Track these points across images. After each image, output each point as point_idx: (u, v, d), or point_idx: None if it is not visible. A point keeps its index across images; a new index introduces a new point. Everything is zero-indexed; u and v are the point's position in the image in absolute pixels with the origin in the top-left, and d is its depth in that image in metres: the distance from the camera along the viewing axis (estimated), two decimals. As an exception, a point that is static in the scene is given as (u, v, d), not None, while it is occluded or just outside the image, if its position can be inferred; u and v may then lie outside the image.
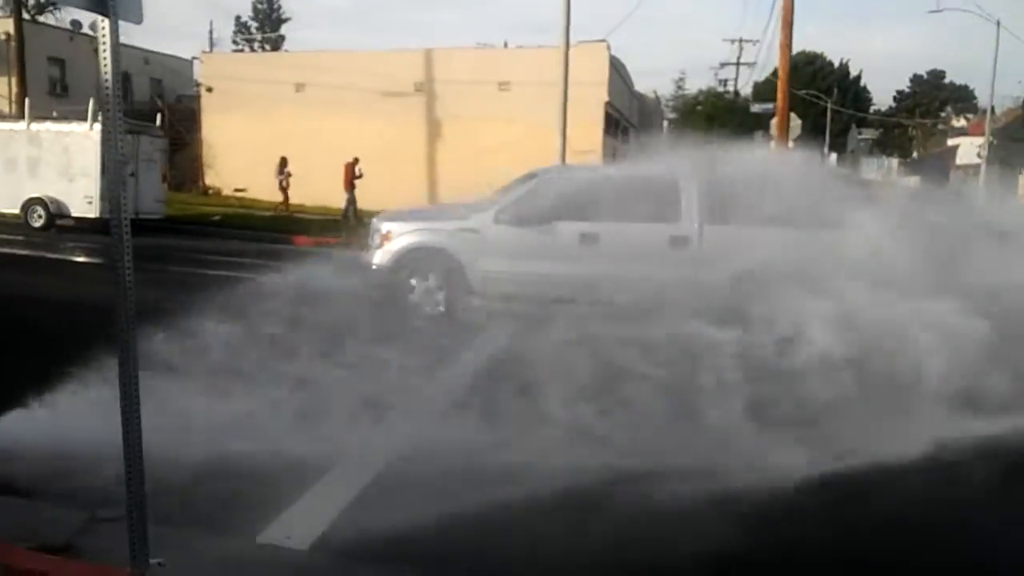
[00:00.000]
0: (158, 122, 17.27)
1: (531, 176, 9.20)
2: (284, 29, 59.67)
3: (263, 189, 23.62)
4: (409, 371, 5.80)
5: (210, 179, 25.01)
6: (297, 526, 4.24)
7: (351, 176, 19.67)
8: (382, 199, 23.04)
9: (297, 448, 4.59)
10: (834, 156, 53.91)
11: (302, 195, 22.66)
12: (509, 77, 21.99)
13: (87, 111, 14.84)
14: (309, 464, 4.57)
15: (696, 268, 7.64)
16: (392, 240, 8.77)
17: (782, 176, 7.91)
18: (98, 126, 14.60)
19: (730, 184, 7.87)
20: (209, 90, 24.60)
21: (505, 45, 26.78)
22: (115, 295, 2.67)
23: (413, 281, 8.71)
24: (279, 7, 59.70)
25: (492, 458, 4.46)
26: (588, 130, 18.14)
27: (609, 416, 4.92)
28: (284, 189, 20.98)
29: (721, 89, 67.32)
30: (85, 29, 31.91)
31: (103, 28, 2.55)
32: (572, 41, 16.75)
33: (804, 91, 55.86)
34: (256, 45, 56.67)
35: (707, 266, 7.69)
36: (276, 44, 57.32)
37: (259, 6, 59.37)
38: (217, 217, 18.13)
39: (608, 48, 21.82)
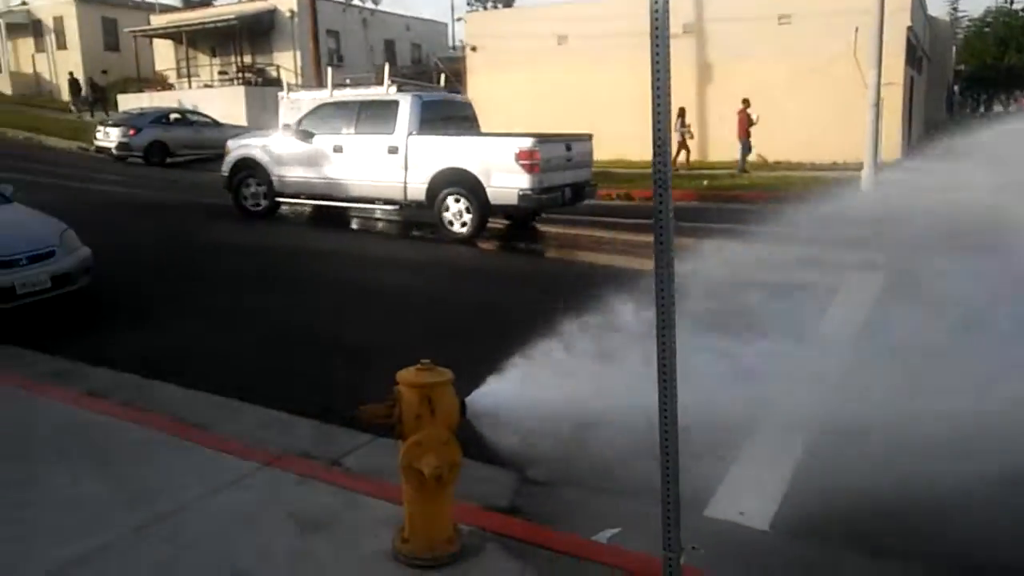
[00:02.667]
0: (442, 83, 17.78)
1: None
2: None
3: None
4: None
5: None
6: (745, 502, 3.85)
7: (746, 123, 18.53)
8: (648, 149, 22.46)
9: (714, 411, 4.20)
10: None
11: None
12: (789, 10, 20.18)
13: (382, 76, 15.58)
14: (729, 428, 4.22)
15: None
16: (228, 152, 12.85)
17: None
18: (393, 89, 15.30)
19: None
20: (474, 49, 25.12)
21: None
22: (656, 257, 2.32)
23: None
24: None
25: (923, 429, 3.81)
26: (888, 61, 16.11)
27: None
28: (683, 143, 19.61)
29: (1011, 6, 58.38)
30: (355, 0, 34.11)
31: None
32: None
33: None
34: (489, 6, 57.90)
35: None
36: (509, 4, 58.17)
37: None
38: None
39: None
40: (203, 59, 32.93)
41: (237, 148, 12.65)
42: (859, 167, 17.23)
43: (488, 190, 10.48)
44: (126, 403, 5.02)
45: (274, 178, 12.11)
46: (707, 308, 4.14)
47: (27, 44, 37.95)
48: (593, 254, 10.68)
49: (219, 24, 29.81)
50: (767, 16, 20.17)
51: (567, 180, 11.16)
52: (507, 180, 10.31)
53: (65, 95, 33.73)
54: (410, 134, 11.01)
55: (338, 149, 11.53)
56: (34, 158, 19.98)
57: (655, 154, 2.25)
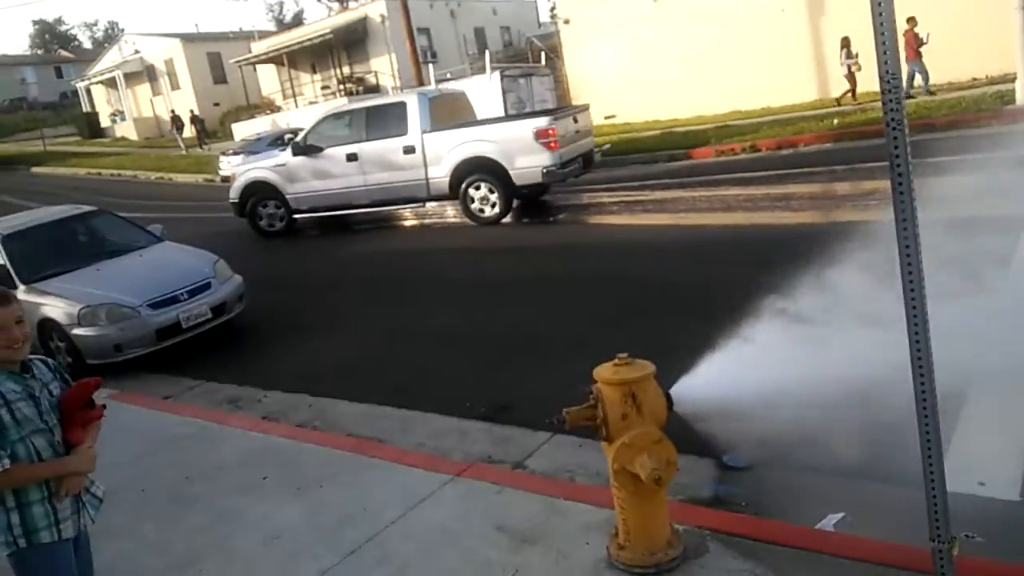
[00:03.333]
0: (542, 61, 17.50)
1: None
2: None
3: (633, 111, 23.25)
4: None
5: (578, 111, 25.25)
6: (981, 471, 3.43)
7: (915, 43, 17.35)
8: (765, 98, 21.44)
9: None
10: None
11: (673, 109, 21.84)
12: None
13: (485, 66, 15.48)
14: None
15: None
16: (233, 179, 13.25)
17: None
18: (495, 75, 15.19)
19: None
20: (567, 22, 24.64)
21: None
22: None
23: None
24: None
25: None
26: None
27: None
28: (851, 76, 18.21)
29: None
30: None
31: None
32: None
33: None
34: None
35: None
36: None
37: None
38: (607, 146, 18.02)
39: None
40: (304, 77, 33.92)
41: (244, 173, 12.84)
42: (1003, 79, 15.73)
43: (512, 172, 10.79)
44: (302, 424, 5.10)
45: (289, 196, 12.27)
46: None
47: (144, 89, 40.32)
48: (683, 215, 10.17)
49: (315, 41, 30.56)
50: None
51: (580, 151, 11.59)
52: (530, 160, 10.68)
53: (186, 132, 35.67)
54: (424, 131, 11.23)
55: (352, 157, 11.66)
56: (167, 196, 21.12)
57: (884, 91, 1.92)
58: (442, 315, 7.20)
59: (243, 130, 29.92)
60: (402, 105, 11.61)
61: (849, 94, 18.12)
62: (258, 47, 35.31)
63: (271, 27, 54.29)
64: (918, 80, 16.85)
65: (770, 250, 6.77)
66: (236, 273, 7.62)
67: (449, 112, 12.04)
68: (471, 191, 11.12)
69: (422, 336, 6.68)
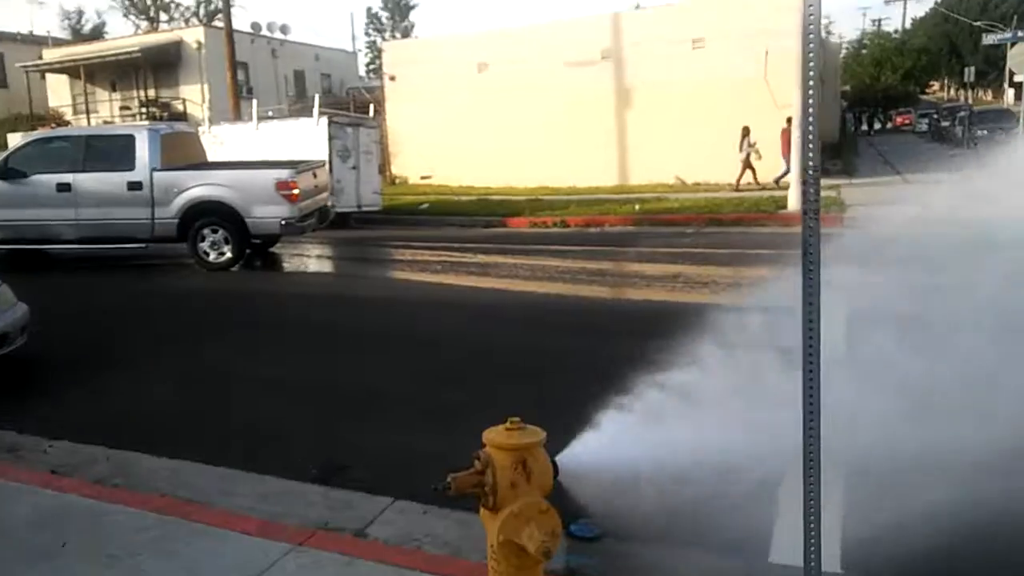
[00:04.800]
0: (371, 112, 17.42)
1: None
2: (412, 16, 60.53)
3: (448, 175, 23.69)
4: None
5: (396, 168, 25.34)
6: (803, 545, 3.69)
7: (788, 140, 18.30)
8: (572, 177, 22.64)
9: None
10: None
11: (486, 177, 22.50)
12: (702, 33, 20.78)
13: (312, 108, 15.14)
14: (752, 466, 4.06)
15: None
16: None
17: None
18: (324, 120, 14.88)
19: None
20: (392, 78, 24.84)
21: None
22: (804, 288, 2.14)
23: None
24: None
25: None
26: (793, 82, 16.71)
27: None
28: (747, 161, 19.14)
29: (873, 31, 62.61)
30: (263, 31, 33.33)
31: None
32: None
33: (978, 21, 50.65)
34: (387, 35, 57.77)
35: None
36: (406, 32, 58.29)
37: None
38: (425, 205, 18.18)
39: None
40: (102, 94, 31.40)
41: None
42: (772, 187, 17.85)
43: (249, 221, 10.77)
44: (100, 481, 4.51)
45: None
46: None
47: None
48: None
49: (121, 57, 28.48)
50: (681, 40, 20.71)
51: (317, 205, 11.95)
52: (268, 210, 10.73)
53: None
54: (154, 169, 10.85)
55: (64, 187, 10.88)
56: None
57: (804, 183, 2.07)
58: (260, 363, 6.76)
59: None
60: (130, 138, 11.09)
61: (748, 178, 19.24)
62: (51, 54, 32.34)
63: (66, 35, 49.94)
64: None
65: (596, 320, 7.09)
66: (22, 302, 6.72)
67: (181, 151, 11.64)
68: (204, 234, 10.85)
69: (240, 384, 6.21)
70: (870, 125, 51.78)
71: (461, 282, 10.38)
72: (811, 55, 1.94)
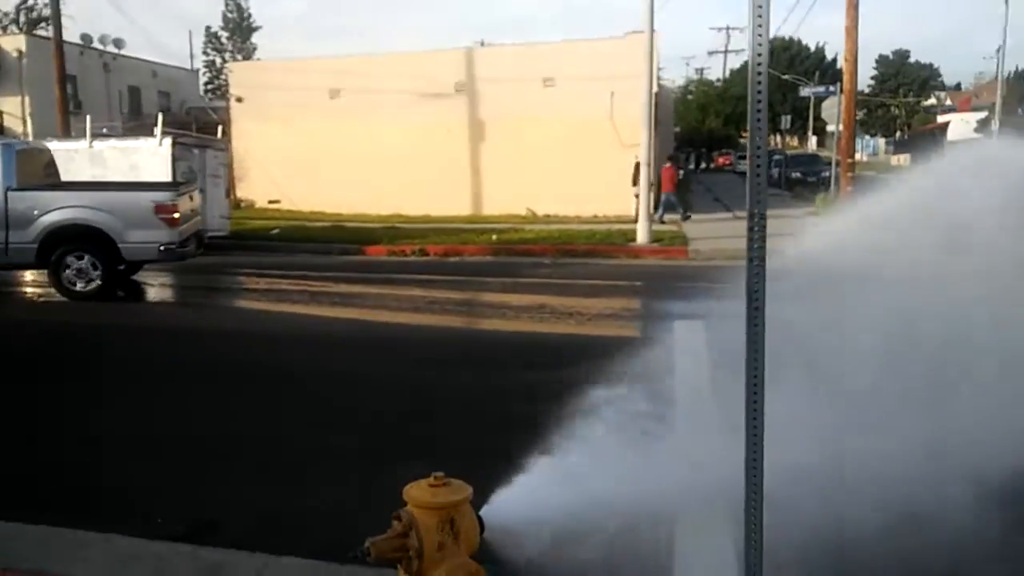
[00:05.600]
0: (219, 134, 16.67)
1: None
2: (255, 38, 58.91)
3: (298, 200, 23.08)
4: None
5: (242, 192, 24.34)
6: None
7: (675, 178, 19.13)
8: (426, 206, 22.59)
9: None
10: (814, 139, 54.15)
11: (338, 203, 22.12)
12: (551, 73, 21.57)
13: (152, 127, 14.29)
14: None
15: None
16: None
17: None
18: (167, 141, 14.08)
19: None
20: (239, 100, 23.94)
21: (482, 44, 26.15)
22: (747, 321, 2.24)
23: None
24: (249, 16, 58.83)
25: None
26: (636, 125, 17.75)
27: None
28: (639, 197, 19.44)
29: (697, 78, 67.95)
30: (95, 43, 31.16)
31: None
32: (612, 33, 16.36)
33: (786, 75, 55.94)
34: (228, 55, 55.79)
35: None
36: (248, 54, 56.55)
37: (228, 15, 58.48)
38: (276, 230, 17.58)
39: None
40: (-103, 101, 28.09)
41: None
42: (619, 220, 18.74)
43: (123, 246, 10.05)
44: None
45: None
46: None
47: None
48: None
49: (-78, 62, 25.69)
50: (532, 78, 21.40)
51: (193, 230, 11.22)
52: (146, 235, 10.02)
53: None
54: (8, 188, 9.97)
55: None
56: None
57: (750, 228, 2.13)
58: (105, 406, 5.98)
59: None
60: None
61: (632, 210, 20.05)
62: None
63: None
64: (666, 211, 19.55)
65: (474, 351, 7.11)
66: None
67: (38, 170, 10.84)
68: (67, 260, 9.96)
69: (83, 432, 5.41)
70: (697, 164, 55.52)
71: (327, 313, 10.00)
72: (759, 107, 2.07)
